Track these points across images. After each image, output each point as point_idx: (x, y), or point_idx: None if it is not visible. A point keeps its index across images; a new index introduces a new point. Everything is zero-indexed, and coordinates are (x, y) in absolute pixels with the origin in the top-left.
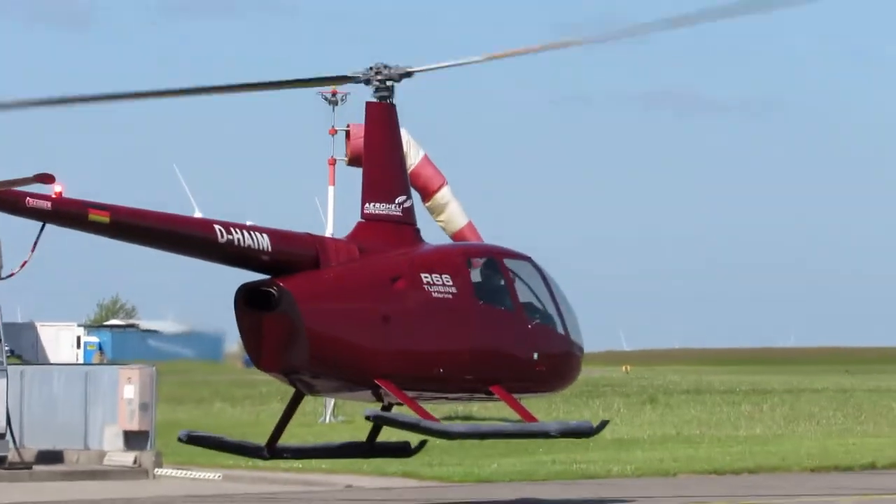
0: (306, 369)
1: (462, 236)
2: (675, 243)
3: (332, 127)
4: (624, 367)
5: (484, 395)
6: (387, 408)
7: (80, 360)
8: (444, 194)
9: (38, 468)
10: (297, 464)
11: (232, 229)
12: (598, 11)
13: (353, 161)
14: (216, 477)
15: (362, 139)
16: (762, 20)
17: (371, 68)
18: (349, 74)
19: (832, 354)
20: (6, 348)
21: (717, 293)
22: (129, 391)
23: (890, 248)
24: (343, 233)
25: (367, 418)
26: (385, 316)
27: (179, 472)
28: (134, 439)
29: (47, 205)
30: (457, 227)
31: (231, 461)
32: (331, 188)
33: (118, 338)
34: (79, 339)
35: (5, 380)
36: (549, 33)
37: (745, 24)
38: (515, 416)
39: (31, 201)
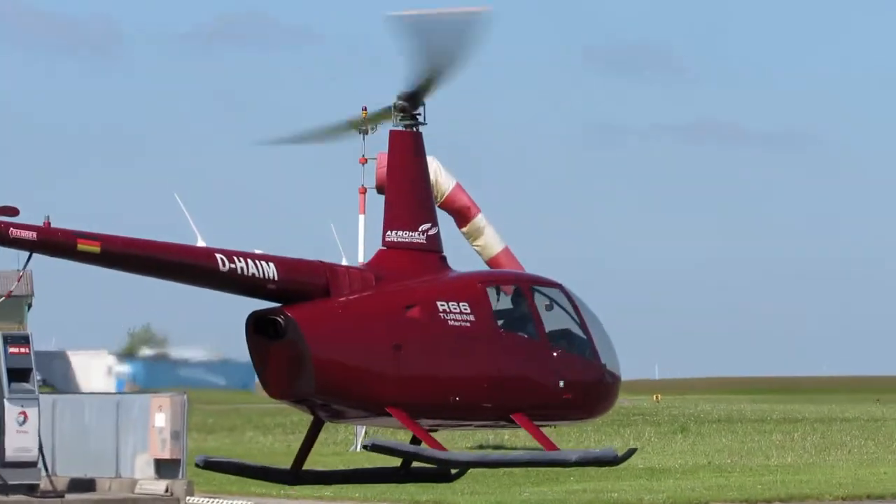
0: (313, 398)
1: (497, 262)
2: (707, 273)
3: (363, 156)
4: (655, 396)
5: (508, 424)
6: (416, 440)
7: (112, 390)
8: (478, 221)
9: (69, 497)
10: (329, 492)
11: (236, 258)
12: (628, 38)
13: (382, 189)
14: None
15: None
16: (800, 51)
17: (399, 96)
18: (380, 110)
19: (863, 383)
20: (38, 377)
21: (749, 322)
22: (161, 419)
23: None
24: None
25: (366, 448)
26: (396, 345)
27: (211, 500)
28: (165, 468)
29: (32, 235)
30: (493, 253)
31: (262, 489)
32: (361, 216)
33: (149, 367)
34: (110, 367)
35: (37, 408)
36: (577, 57)
37: (780, 56)
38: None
39: (14, 232)
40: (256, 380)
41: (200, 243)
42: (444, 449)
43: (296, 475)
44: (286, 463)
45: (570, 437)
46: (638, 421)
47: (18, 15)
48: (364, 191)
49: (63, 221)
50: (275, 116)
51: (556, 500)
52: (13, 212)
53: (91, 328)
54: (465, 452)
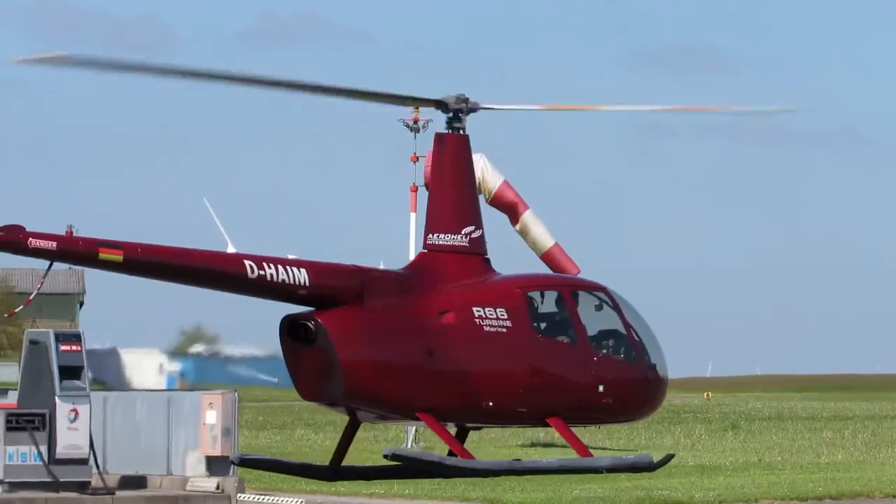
0: (344, 401)
1: (550, 256)
2: (758, 271)
3: (414, 154)
4: (705, 394)
5: (544, 426)
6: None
7: (163, 387)
8: (526, 217)
9: (120, 493)
10: (380, 489)
11: (265, 264)
12: (674, 39)
13: None
14: (298, 502)
15: None
16: (845, 54)
17: (457, 98)
18: (432, 98)
19: None
20: (89, 375)
21: (799, 319)
22: (212, 417)
23: None
24: None
25: (386, 457)
26: (428, 350)
27: (262, 497)
28: (216, 465)
29: (52, 244)
30: (544, 249)
31: (313, 486)
32: (412, 214)
33: (200, 364)
34: (161, 365)
35: (88, 406)
36: (625, 60)
37: (828, 58)
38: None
39: (34, 242)
40: None
41: (231, 249)
42: (471, 457)
43: (334, 472)
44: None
45: (620, 435)
46: (689, 419)
47: (69, 14)
48: (415, 189)
49: (111, 224)
50: (323, 115)
51: (607, 498)
52: (17, 230)
53: (142, 326)
54: (492, 461)
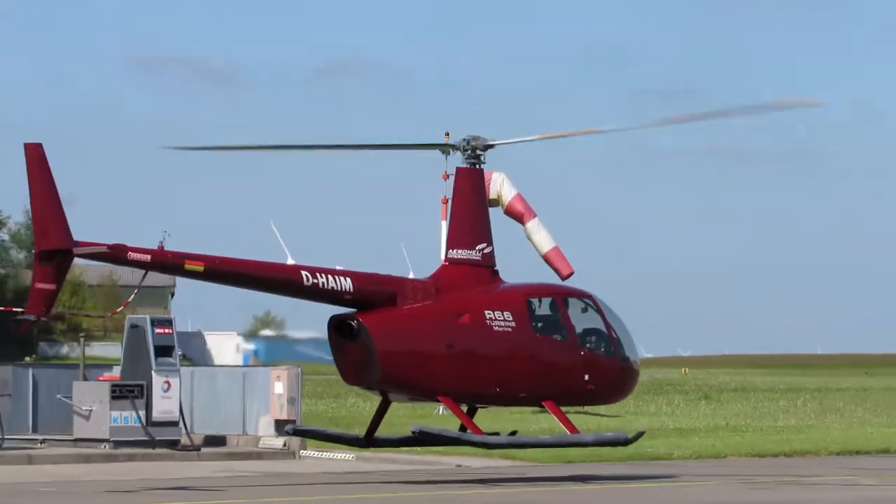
0: (379, 385)
1: (549, 257)
2: (728, 271)
3: (445, 172)
4: (683, 370)
5: (540, 408)
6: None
7: (239, 363)
8: (532, 225)
9: (205, 450)
10: (419, 449)
11: (318, 274)
12: (669, 80)
13: None
14: (350, 458)
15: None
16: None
17: (466, 139)
18: (450, 143)
19: (854, 360)
20: (179, 353)
21: (760, 310)
22: (279, 388)
23: None
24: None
25: (413, 433)
26: (449, 344)
27: (320, 453)
28: (283, 427)
29: (146, 257)
30: (544, 251)
31: None
32: (443, 223)
33: (270, 344)
34: (238, 345)
35: (178, 379)
36: (623, 100)
37: (783, 93)
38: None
39: (132, 255)
40: None
41: (290, 261)
42: (481, 432)
43: (368, 440)
44: (383, 423)
45: (610, 407)
46: (669, 390)
47: (153, 56)
48: (445, 201)
49: (192, 237)
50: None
51: (604, 455)
52: (122, 249)
53: (222, 313)
54: (499, 437)
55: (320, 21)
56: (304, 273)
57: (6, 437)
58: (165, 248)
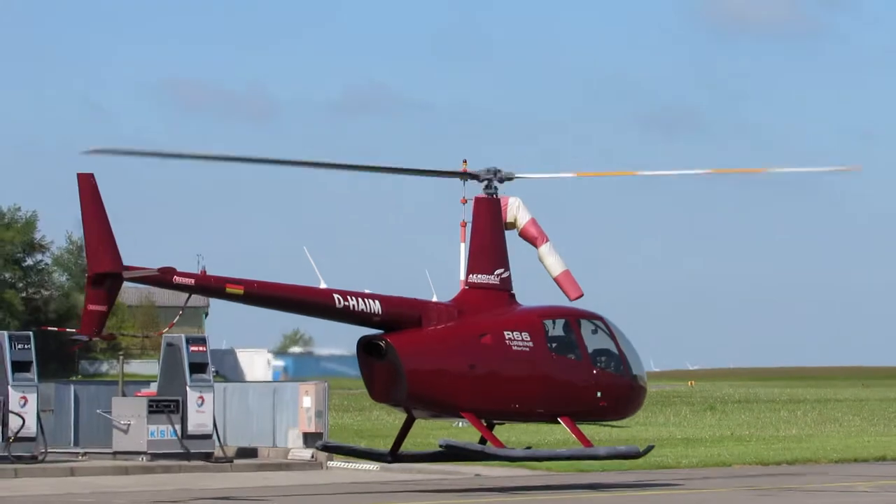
0: (406, 402)
1: (559, 280)
2: (732, 289)
3: (463, 197)
4: (689, 382)
5: (557, 423)
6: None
7: (270, 379)
8: (544, 249)
9: (237, 462)
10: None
11: (349, 297)
12: (675, 104)
13: None
14: (375, 468)
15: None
16: (794, 113)
17: (487, 170)
18: (471, 171)
19: (852, 372)
20: (213, 369)
21: (763, 325)
22: (307, 402)
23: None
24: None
25: (441, 447)
26: (471, 364)
27: (346, 464)
28: (311, 439)
29: (191, 281)
30: (555, 274)
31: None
32: (462, 244)
33: (298, 361)
34: (268, 361)
35: (212, 394)
36: (631, 123)
37: (779, 120)
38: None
39: (177, 278)
40: None
41: (322, 285)
42: (503, 446)
43: (393, 456)
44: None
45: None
46: (676, 402)
47: (189, 90)
48: (464, 224)
49: (225, 265)
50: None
51: (615, 464)
52: (170, 272)
53: (253, 331)
54: (518, 450)
55: (339, 53)
56: (335, 296)
57: (49, 450)
58: (207, 273)
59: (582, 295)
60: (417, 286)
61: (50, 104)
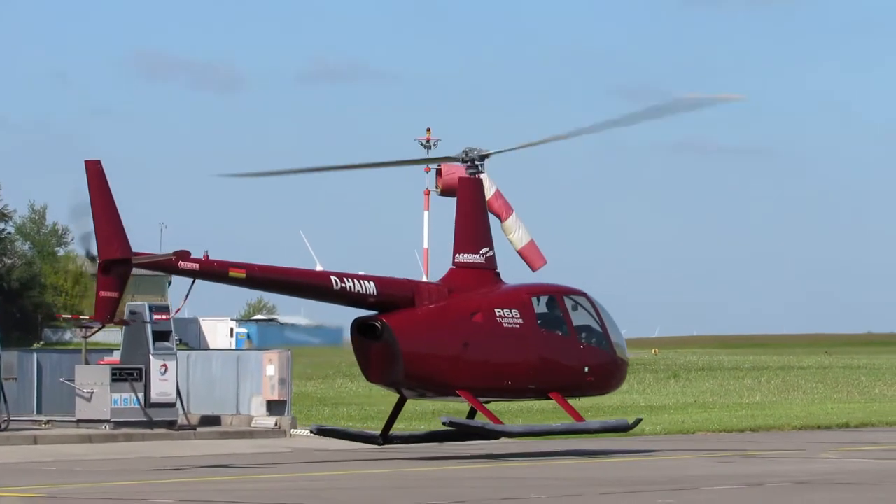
0: (403, 383)
1: (525, 251)
2: (696, 258)
3: (427, 166)
4: (653, 350)
5: (546, 399)
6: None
7: (233, 347)
8: (510, 222)
9: (201, 430)
10: (402, 424)
11: (345, 279)
12: (648, 78)
13: (445, 192)
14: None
15: (452, 175)
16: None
17: (464, 151)
18: (451, 155)
19: (815, 339)
20: (176, 338)
21: (726, 293)
22: (271, 370)
23: (856, 255)
24: (436, 249)
25: (444, 423)
26: (465, 342)
27: (308, 432)
28: (274, 407)
29: (195, 266)
30: (520, 246)
31: (349, 424)
32: (426, 213)
33: (262, 329)
34: (232, 329)
35: (175, 362)
36: (599, 94)
37: (749, 89)
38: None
39: (182, 264)
40: (345, 337)
41: (318, 268)
42: (500, 423)
43: (384, 438)
44: (369, 402)
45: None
46: (640, 369)
47: (155, 59)
48: (428, 192)
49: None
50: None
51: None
52: (185, 255)
53: (217, 300)
54: (517, 425)
55: (312, 27)
56: (332, 278)
57: (12, 418)
58: (210, 258)
59: (546, 263)
60: (385, 246)
61: (13, 73)
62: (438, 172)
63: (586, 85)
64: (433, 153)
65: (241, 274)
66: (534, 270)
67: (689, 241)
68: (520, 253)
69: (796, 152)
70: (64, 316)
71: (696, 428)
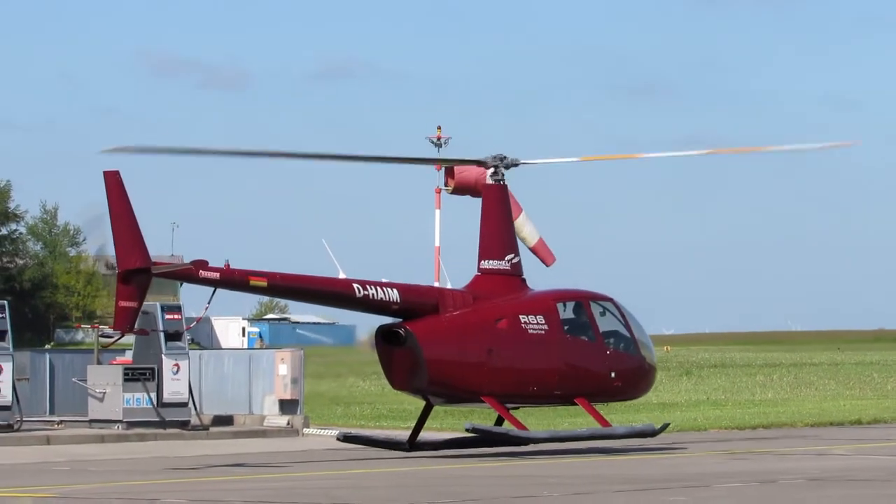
0: (427, 389)
1: (535, 248)
2: (708, 254)
3: (438, 164)
4: (665, 348)
5: (572, 404)
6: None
7: (245, 346)
8: (520, 220)
9: (213, 429)
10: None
11: (368, 286)
12: (651, 76)
13: (456, 191)
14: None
15: (464, 174)
16: (768, 87)
17: (493, 157)
18: (479, 159)
19: (827, 336)
20: (188, 337)
21: (740, 290)
22: (283, 369)
23: (868, 252)
24: (448, 247)
25: (467, 430)
26: (489, 349)
27: (322, 431)
28: (287, 406)
29: (216, 275)
30: (530, 245)
31: (362, 423)
32: (437, 211)
33: (274, 328)
34: (244, 329)
35: (188, 361)
36: (609, 91)
37: (758, 86)
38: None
39: (202, 273)
40: (357, 337)
41: (341, 275)
42: (525, 429)
43: (411, 445)
44: (381, 401)
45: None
46: None
47: (164, 58)
48: (439, 191)
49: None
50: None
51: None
52: (203, 264)
53: (229, 299)
54: (542, 431)
55: (321, 26)
56: (355, 286)
57: (25, 419)
58: (231, 267)
59: (555, 260)
60: (397, 243)
61: (22, 74)
62: (449, 171)
63: (594, 83)
64: (443, 151)
65: (263, 282)
66: (547, 266)
67: (699, 237)
68: (532, 250)
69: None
70: (83, 326)
71: (709, 425)
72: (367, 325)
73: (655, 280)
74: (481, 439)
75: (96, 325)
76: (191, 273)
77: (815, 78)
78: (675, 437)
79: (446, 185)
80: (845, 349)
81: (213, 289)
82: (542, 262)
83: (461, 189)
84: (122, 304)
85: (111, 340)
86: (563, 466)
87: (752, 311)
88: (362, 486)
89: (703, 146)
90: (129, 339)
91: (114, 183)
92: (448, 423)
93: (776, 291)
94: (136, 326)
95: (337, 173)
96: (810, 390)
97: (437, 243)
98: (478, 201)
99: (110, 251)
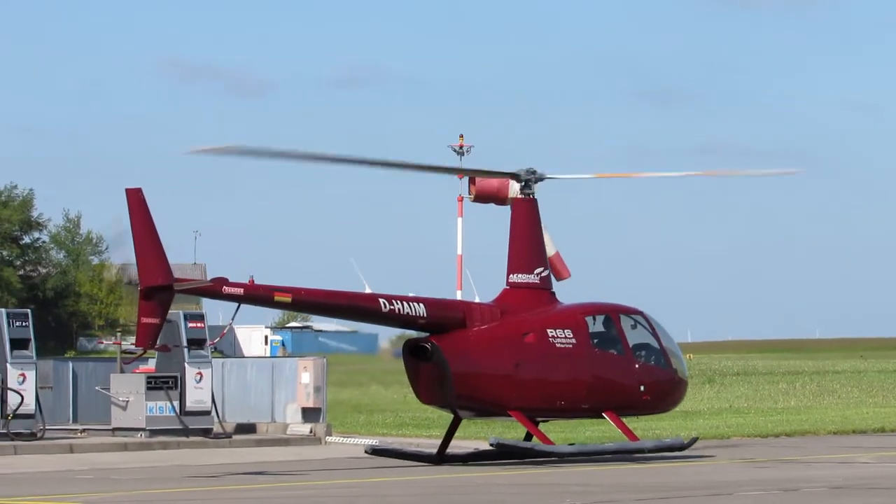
0: (454, 403)
1: (552, 262)
2: (730, 262)
3: (460, 172)
4: (688, 355)
5: (600, 418)
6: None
7: (268, 354)
8: None
9: (236, 437)
10: (438, 431)
11: (394, 301)
12: (668, 81)
13: (478, 199)
14: (374, 443)
15: (486, 182)
16: (790, 90)
17: (526, 171)
18: (513, 172)
19: (850, 344)
20: (211, 346)
21: (762, 298)
22: (306, 377)
23: (892, 260)
24: (470, 256)
25: (491, 445)
26: (517, 363)
27: (345, 439)
28: (309, 414)
29: (240, 291)
30: (549, 255)
31: (384, 431)
32: (459, 219)
33: (297, 336)
34: (266, 337)
35: (210, 370)
36: (626, 97)
37: (776, 91)
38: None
39: (226, 289)
40: (380, 345)
41: (367, 290)
42: (551, 443)
43: (440, 457)
44: (403, 409)
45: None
46: None
47: (185, 66)
48: (461, 199)
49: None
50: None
51: (616, 437)
52: (223, 282)
53: (252, 307)
54: (568, 446)
55: (342, 33)
56: (381, 301)
57: (48, 427)
58: (256, 283)
59: (570, 275)
60: (420, 250)
61: (46, 81)
62: (472, 179)
63: (613, 87)
64: (467, 160)
65: (287, 298)
66: (560, 280)
67: (721, 245)
68: (549, 262)
69: (828, 155)
70: (104, 342)
71: (731, 433)
72: (389, 333)
73: (678, 288)
74: (507, 453)
75: (118, 341)
76: (214, 290)
77: (835, 82)
78: (697, 445)
79: (469, 192)
80: (868, 357)
81: (236, 304)
82: (556, 276)
83: (483, 197)
84: (145, 320)
85: (133, 357)
86: (586, 474)
87: (774, 320)
88: (383, 495)
89: (722, 153)
90: None
91: (136, 200)
92: (476, 431)
93: (799, 299)
94: (158, 342)
95: (359, 181)
96: (833, 398)
97: (459, 251)
98: (500, 210)
99: (133, 269)
